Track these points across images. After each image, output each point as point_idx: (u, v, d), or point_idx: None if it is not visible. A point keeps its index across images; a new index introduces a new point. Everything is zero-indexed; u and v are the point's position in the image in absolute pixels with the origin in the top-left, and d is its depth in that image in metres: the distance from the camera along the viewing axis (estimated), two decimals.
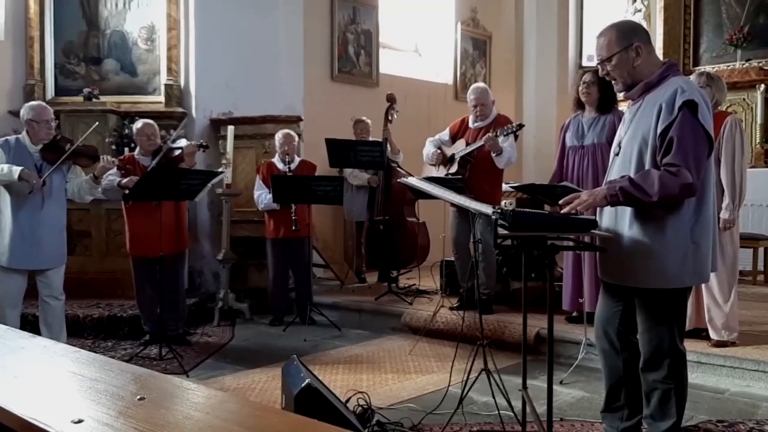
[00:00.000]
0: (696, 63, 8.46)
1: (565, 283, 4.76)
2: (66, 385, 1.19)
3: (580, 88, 4.62)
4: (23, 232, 4.27)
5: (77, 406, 1.07)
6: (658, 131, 2.54)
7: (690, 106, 2.51)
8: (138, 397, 1.08)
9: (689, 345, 4.11)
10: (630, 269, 2.67)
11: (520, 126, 5.12)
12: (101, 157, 4.49)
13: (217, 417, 1.04)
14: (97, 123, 5.20)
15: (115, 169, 4.90)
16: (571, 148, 4.70)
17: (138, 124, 5.21)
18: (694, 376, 4.08)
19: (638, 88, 2.68)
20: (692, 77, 4.35)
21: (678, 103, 2.51)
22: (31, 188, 4.21)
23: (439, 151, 5.45)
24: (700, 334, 4.35)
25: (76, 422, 0.99)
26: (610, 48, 2.66)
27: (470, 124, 5.44)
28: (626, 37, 2.65)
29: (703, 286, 4.20)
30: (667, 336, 2.65)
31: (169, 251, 4.90)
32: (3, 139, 4.44)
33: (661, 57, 8.40)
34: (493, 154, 5.14)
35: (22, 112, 4.45)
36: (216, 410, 1.06)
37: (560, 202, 2.70)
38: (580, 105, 4.72)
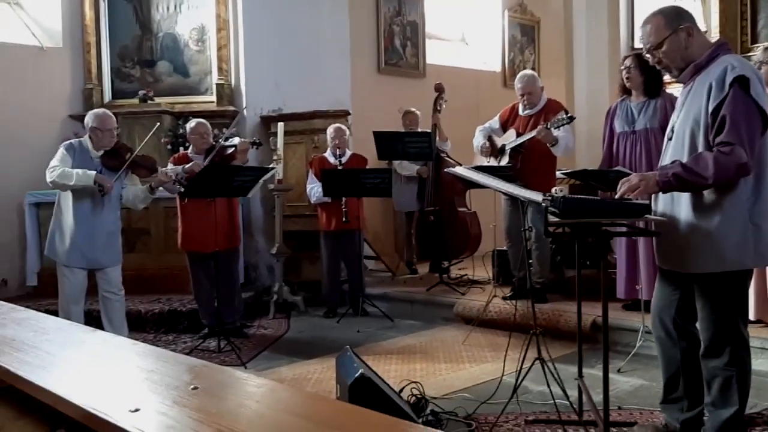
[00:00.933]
0: (754, 40, 8.12)
1: (618, 270, 4.67)
2: (123, 376, 1.24)
3: (623, 74, 4.51)
4: (82, 232, 4.43)
5: (134, 395, 1.11)
6: (710, 110, 2.46)
7: (741, 81, 2.43)
8: (192, 386, 1.12)
9: (754, 331, 4.00)
10: (687, 254, 2.60)
11: (571, 118, 5.00)
12: (159, 169, 4.61)
13: (268, 406, 1.06)
14: (157, 124, 5.35)
15: (170, 165, 5.04)
16: (621, 134, 4.59)
17: (191, 123, 5.33)
18: (758, 362, 3.94)
19: (688, 70, 2.61)
20: (759, 52, 4.18)
21: (728, 79, 2.43)
22: (105, 192, 4.36)
23: (488, 143, 5.38)
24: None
25: (133, 411, 1.02)
26: (659, 33, 2.59)
27: (520, 112, 5.34)
28: (674, 20, 2.59)
29: None
30: (729, 321, 2.58)
31: (223, 247, 5.01)
32: (68, 142, 4.59)
33: (717, 35, 8.17)
34: (549, 145, 5.03)
35: (86, 119, 4.60)
36: (267, 399, 1.08)
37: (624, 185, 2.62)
38: (626, 90, 4.59)
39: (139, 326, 5.53)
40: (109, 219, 4.54)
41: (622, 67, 4.52)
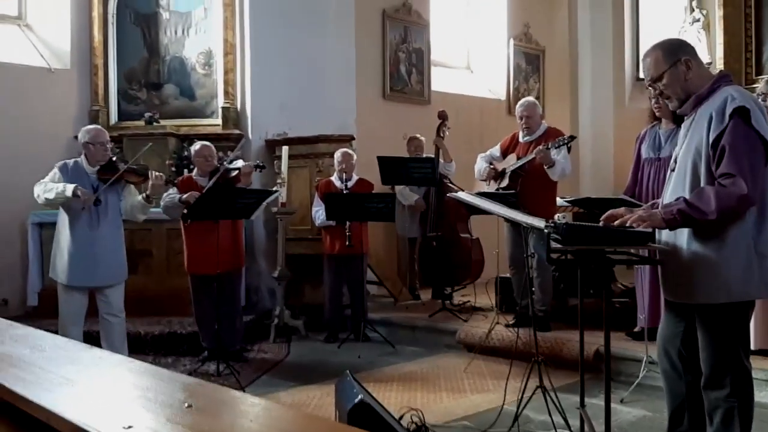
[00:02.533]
0: (759, 72, 8.18)
1: (639, 298, 4.62)
2: (118, 393, 1.23)
3: (652, 102, 4.52)
4: (80, 250, 4.42)
5: (128, 412, 1.10)
6: (710, 140, 2.47)
7: (741, 112, 2.43)
8: (186, 404, 1.10)
9: (758, 363, 3.96)
10: (691, 285, 2.58)
11: (572, 138, 5.05)
12: (149, 173, 4.59)
13: (262, 425, 1.05)
14: (150, 144, 5.35)
15: (174, 189, 5.05)
16: (646, 160, 4.58)
17: (196, 146, 5.35)
18: (762, 395, 3.89)
19: (690, 102, 2.63)
20: (762, 84, 4.20)
21: (729, 110, 2.44)
22: (83, 205, 4.36)
23: (491, 166, 5.41)
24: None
25: (126, 428, 1.01)
26: (659, 66, 2.62)
27: (520, 139, 5.40)
28: (673, 53, 2.61)
29: None
30: (730, 352, 2.54)
31: (226, 269, 4.99)
32: (62, 162, 4.62)
33: (722, 66, 8.23)
34: (546, 167, 5.06)
35: (79, 135, 4.65)
36: (262, 418, 1.07)
37: (606, 214, 2.63)
38: (656, 116, 4.60)
39: (139, 348, 5.48)
40: (110, 235, 4.53)
41: (651, 96, 4.52)
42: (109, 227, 4.53)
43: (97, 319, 4.64)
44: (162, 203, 5.03)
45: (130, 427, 1.01)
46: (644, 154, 4.61)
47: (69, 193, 4.33)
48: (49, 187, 4.37)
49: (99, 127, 4.74)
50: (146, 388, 1.21)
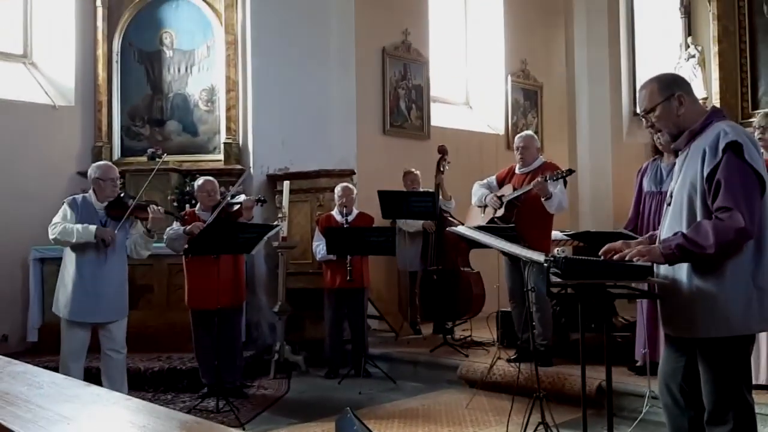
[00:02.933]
0: (755, 106, 8.26)
1: (638, 332, 4.59)
2: (115, 431, 1.22)
3: (655, 136, 4.54)
4: (86, 286, 4.42)
5: None
6: (705, 175, 2.49)
7: (734, 147, 2.46)
8: None
9: (761, 397, 3.92)
10: (691, 319, 2.57)
11: (570, 171, 5.09)
12: (149, 207, 4.61)
13: None
14: (154, 171, 5.32)
15: (177, 223, 5.07)
16: (648, 194, 4.60)
17: (199, 181, 5.39)
18: (766, 430, 3.85)
19: (684, 137, 2.66)
20: (758, 118, 4.23)
21: (721, 145, 2.47)
22: (108, 245, 4.38)
23: (497, 193, 5.41)
24: None
25: None
26: (653, 99, 2.66)
27: (516, 171, 5.45)
28: (668, 87, 2.65)
29: None
30: (733, 387, 2.52)
31: (227, 304, 4.98)
32: (71, 198, 4.65)
33: (718, 102, 8.32)
34: (543, 199, 5.08)
35: (89, 171, 4.68)
36: None
37: (604, 248, 2.64)
38: (658, 150, 4.64)
39: (138, 384, 5.44)
40: (116, 269, 4.54)
41: (652, 131, 4.54)
42: (116, 264, 4.55)
43: (97, 355, 4.62)
44: (165, 236, 5.05)
45: None
46: (646, 188, 4.63)
47: (92, 236, 4.35)
48: (69, 230, 4.38)
49: (109, 163, 4.79)
50: (143, 426, 1.20)
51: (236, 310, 5.29)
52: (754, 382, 3.53)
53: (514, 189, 5.31)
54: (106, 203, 4.56)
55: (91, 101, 7.02)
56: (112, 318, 4.53)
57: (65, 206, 4.54)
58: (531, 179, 5.21)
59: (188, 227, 4.98)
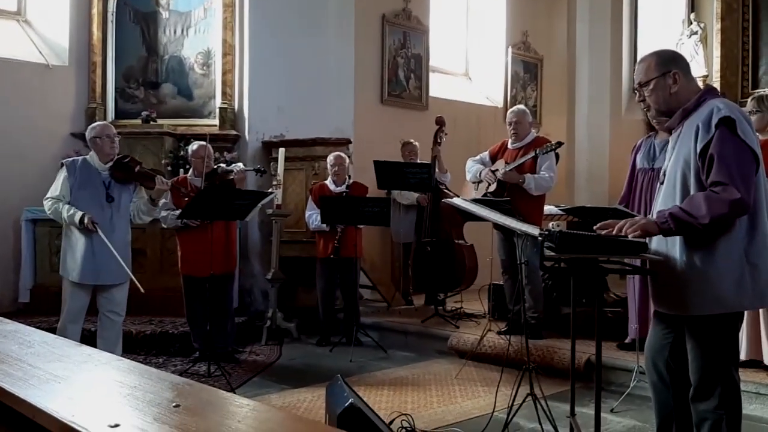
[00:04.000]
0: (755, 86, 8.23)
1: (631, 309, 4.62)
2: (106, 391, 1.22)
3: (643, 111, 4.54)
4: (94, 248, 4.40)
5: (115, 411, 1.09)
6: (698, 151, 2.48)
7: (727, 122, 2.45)
8: (174, 404, 1.10)
9: (748, 375, 3.97)
10: (683, 296, 2.57)
11: (559, 144, 5.10)
12: (155, 177, 4.60)
13: (250, 426, 1.04)
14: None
15: (170, 199, 5.04)
16: (640, 170, 4.61)
17: (193, 145, 5.34)
18: (752, 408, 3.90)
19: (677, 115, 2.65)
20: (749, 103, 4.23)
21: (714, 120, 2.46)
22: (91, 231, 4.35)
23: (492, 168, 5.42)
24: (760, 365, 4.17)
25: (112, 426, 1.01)
26: (648, 73, 2.65)
27: (509, 146, 5.44)
28: (665, 64, 2.64)
29: (762, 312, 4.04)
30: (719, 363, 2.54)
31: (219, 271, 4.98)
32: (69, 160, 4.58)
33: (718, 80, 8.28)
34: (521, 185, 5.11)
35: (87, 133, 4.64)
36: (250, 419, 1.06)
37: (600, 224, 2.64)
38: (653, 127, 4.62)
39: (130, 348, 5.45)
40: (122, 231, 4.53)
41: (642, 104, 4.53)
42: (121, 225, 4.52)
43: (92, 318, 4.62)
44: (162, 218, 5.06)
45: (116, 425, 1.01)
46: (639, 164, 4.64)
47: (77, 224, 4.33)
48: (58, 212, 4.39)
49: (104, 122, 4.75)
50: (134, 386, 1.20)
51: (228, 276, 5.29)
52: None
53: (506, 164, 5.31)
54: (109, 164, 4.51)
55: (85, 61, 6.92)
56: (118, 280, 4.52)
57: (63, 173, 4.47)
58: (524, 154, 5.22)
59: (185, 219, 4.96)
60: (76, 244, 4.42)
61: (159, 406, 1.09)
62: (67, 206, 4.37)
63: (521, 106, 5.72)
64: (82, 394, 1.21)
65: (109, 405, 1.15)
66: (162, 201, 5.06)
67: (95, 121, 6.64)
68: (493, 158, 5.50)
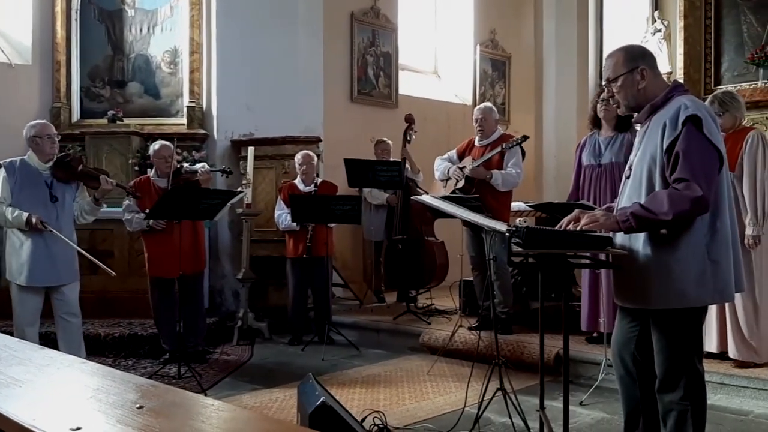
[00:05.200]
0: (717, 83, 8.39)
1: (582, 302, 4.71)
2: (68, 394, 1.21)
3: (599, 106, 4.63)
4: (40, 249, 4.32)
5: (77, 414, 1.08)
6: (664, 147, 2.52)
7: (694, 120, 2.49)
8: (137, 405, 1.09)
9: (712, 366, 4.06)
10: (646, 290, 2.61)
11: (525, 138, 5.18)
12: (100, 177, 4.51)
13: (214, 426, 1.04)
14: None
15: (133, 201, 4.97)
16: (587, 167, 4.70)
17: (155, 145, 5.25)
18: (717, 398, 3.99)
19: (645, 110, 2.69)
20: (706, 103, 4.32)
21: (681, 118, 2.50)
22: (41, 230, 4.27)
23: (459, 165, 5.46)
24: (725, 356, 4.26)
25: (74, 429, 0.99)
26: (616, 69, 2.68)
27: (476, 143, 5.49)
28: (633, 59, 2.67)
29: (727, 306, 4.12)
30: (684, 356, 2.59)
31: (188, 271, 4.93)
32: (7, 161, 4.46)
33: (682, 76, 8.41)
34: (489, 181, 5.16)
35: (25, 132, 4.52)
36: (215, 419, 1.06)
37: (565, 219, 2.68)
38: (596, 124, 4.73)
39: (99, 350, 5.39)
40: (67, 232, 4.43)
41: (599, 100, 4.62)
42: (66, 224, 4.44)
43: (52, 321, 4.54)
44: (127, 221, 5.01)
45: (78, 428, 1.00)
46: (585, 161, 4.73)
47: (23, 225, 4.26)
48: (4, 211, 4.30)
49: (43, 120, 4.66)
50: (97, 389, 1.19)
51: (197, 276, 5.25)
52: (705, 350, 3.66)
53: (474, 160, 5.36)
54: (51, 164, 4.43)
55: (49, 60, 6.80)
56: (67, 280, 4.45)
57: (2, 172, 4.37)
58: (490, 150, 5.27)
59: (153, 222, 4.92)
60: (21, 246, 4.34)
61: (122, 408, 1.08)
62: (10, 209, 4.28)
63: (487, 104, 5.78)
64: (43, 398, 1.19)
65: (71, 408, 1.13)
66: (125, 203, 5.01)
67: (60, 121, 6.56)
68: (461, 156, 5.55)
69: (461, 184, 5.33)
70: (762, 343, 4.11)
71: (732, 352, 4.19)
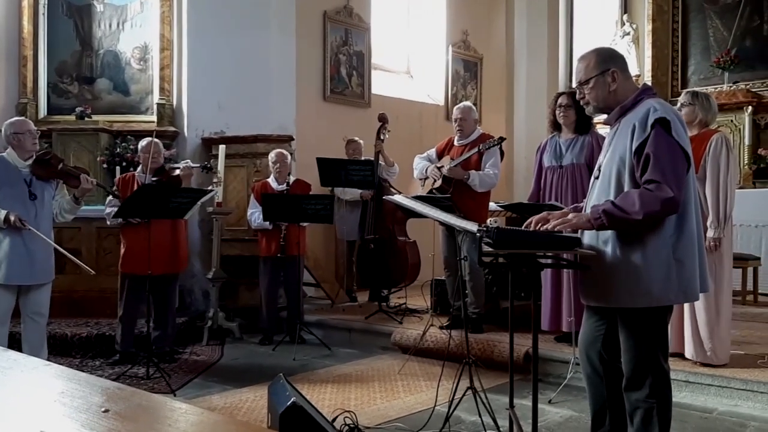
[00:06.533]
0: (684, 85, 8.56)
1: (543, 302, 4.76)
2: (31, 398, 1.19)
3: (557, 112, 4.73)
4: (18, 247, 4.24)
5: (41, 418, 1.06)
6: (633, 149, 2.57)
7: (662, 123, 2.54)
8: (103, 409, 1.08)
9: (678, 364, 4.13)
10: (612, 289, 2.66)
11: (502, 139, 5.21)
12: (80, 176, 4.45)
13: (181, 429, 1.03)
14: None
15: (116, 200, 4.93)
16: (549, 169, 4.77)
17: (143, 142, 5.25)
18: (682, 395, 4.07)
19: (615, 112, 2.74)
20: (683, 95, 4.39)
21: (650, 120, 2.54)
22: (20, 228, 4.20)
23: (438, 165, 5.48)
24: (683, 357, 4.32)
25: None
26: (588, 72, 2.73)
27: (455, 143, 5.51)
28: (604, 62, 2.71)
29: (686, 307, 4.19)
30: (650, 355, 2.64)
31: (159, 271, 4.87)
32: None
33: (650, 79, 8.56)
34: (466, 181, 5.19)
35: (4, 130, 4.44)
36: (181, 423, 1.05)
37: (535, 217, 2.71)
38: (556, 126, 4.82)
39: (65, 351, 5.31)
40: (46, 228, 4.37)
41: (557, 106, 4.71)
42: (45, 222, 4.37)
43: (16, 320, 4.46)
44: (107, 215, 4.96)
45: None
46: (546, 163, 4.81)
47: (1, 222, 4.17)
48: None
49: (22, 117, 4.58)
50: (62, 392, 1.17)
51: (171, 277, 5.19)
52: None
53: (452, 160, 5.37)
54: (30, 162, 4.35)
55: (15, 55, 6.66)
56: (42, 280, 4.38)
57: None
58: (469, 150, 5.28)
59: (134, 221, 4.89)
60: (1, 244, 4.26)
61: (88, 412, 1.07)
62: None
63: (467, 103, 5.78)
64: (6, 401, 1.17)
65: (36, 412, 1.11)
66: (108, 198, 4.97)
67: (26, 117, 6.42)
68: (440, 155, 5.56)
69: (438, 183, 5.35)
70: (720, 346, 4.18)
71: (689, 353, 4.24)
